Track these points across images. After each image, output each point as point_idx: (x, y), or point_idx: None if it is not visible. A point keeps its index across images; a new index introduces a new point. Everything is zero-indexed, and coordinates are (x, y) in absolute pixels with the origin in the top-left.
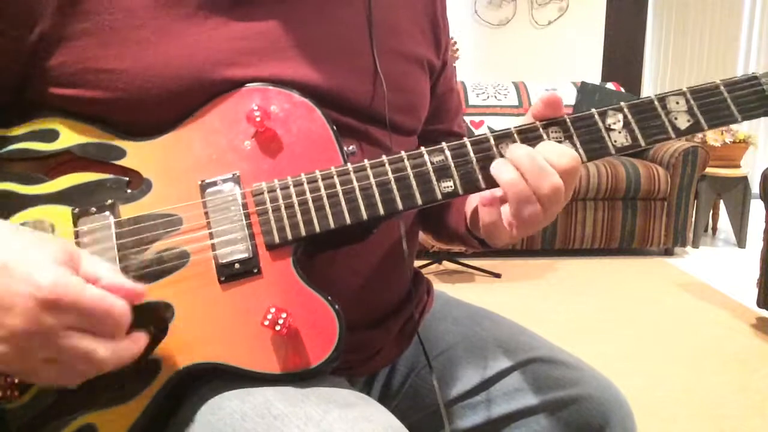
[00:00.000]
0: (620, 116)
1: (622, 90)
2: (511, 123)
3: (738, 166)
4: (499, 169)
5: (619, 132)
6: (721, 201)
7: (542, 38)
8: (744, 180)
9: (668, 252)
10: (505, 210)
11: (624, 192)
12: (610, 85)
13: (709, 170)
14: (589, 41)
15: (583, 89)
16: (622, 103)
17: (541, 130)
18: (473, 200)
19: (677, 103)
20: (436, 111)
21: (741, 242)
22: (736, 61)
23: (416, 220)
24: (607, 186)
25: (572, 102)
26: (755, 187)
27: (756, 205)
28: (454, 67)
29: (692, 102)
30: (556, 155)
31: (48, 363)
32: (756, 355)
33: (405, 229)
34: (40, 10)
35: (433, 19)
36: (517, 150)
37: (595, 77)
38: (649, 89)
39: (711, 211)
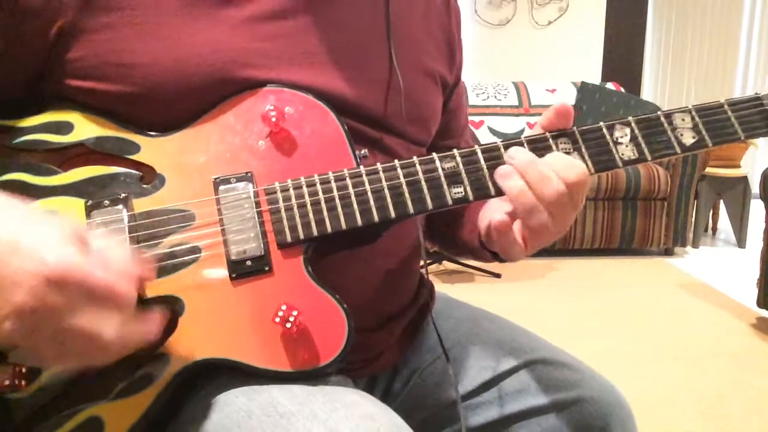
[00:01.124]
0: (627, 130)
1: (622, 90)
2: (511, 123)
3: (738, 166)
4: (504, 178)
5: (626, 145)
6: (721, 201)
7: (542, 38)
8: (744, 180)
9: (668, 252)
10: (517, 226)
11: (624, 192)
12: (610, 85)
13: (709, 170)
14: (589, 41)
15: (583, 89)
16: (630, 118)
17: (550, 140)
18: (486, 215)
19: (683, 119)
20: (446, 127)
21: (741, 242)
22: (736, 61)
23: (423, 230)
24: (607, 186)
25: (572, 102)
26: (755, 187)
27: (756, 205)
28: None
29: (697, 119)
30: (562, 166)
31: (52, 341)
32: (756, 355)
33: (422, 233)
34: (63, 3)
35: (448, 35)
36: (519, 155)
37: (595, 77)
38: (649, 89)
39: (711, 211)
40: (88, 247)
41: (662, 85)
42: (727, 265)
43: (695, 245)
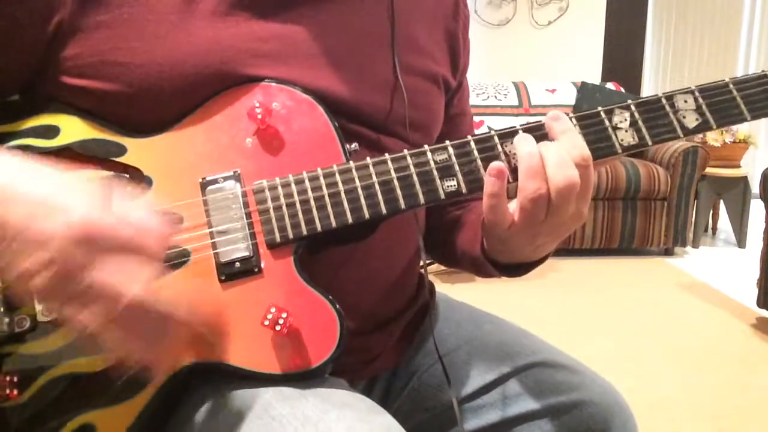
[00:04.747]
0: (627, 115)
1: (622, 90)
2: (510, 123)
3: (738, 166)
4: (520, 139)
5: (626, 131)
6: (721, 201)
7: (542, 38)
8: (744, 180)
9: (668, 252)
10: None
11: (624, 192)
12: (610, 85)
13: (709, 170)
14: (589, 41)
15: (583, 89)
16: (630, 102)
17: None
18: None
19: (685, 101)
20: (449, 134)
21: (741, 242)
22: (736, 61)
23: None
24: (607, 186)
25: (572, 102)
26: (755, 187)
27: (756, 205)
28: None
29: (701, 100)
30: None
31: (81, 298)
32: (756, 355)
33: (421, 236)
34: (60, 1)
35: (453, 38)
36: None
37: (595, 77)
38: (649, 89)
39: (711, 211)
40: (111, 205)
41: (662, 85)
42: (727, 265)
43: (695, 245)
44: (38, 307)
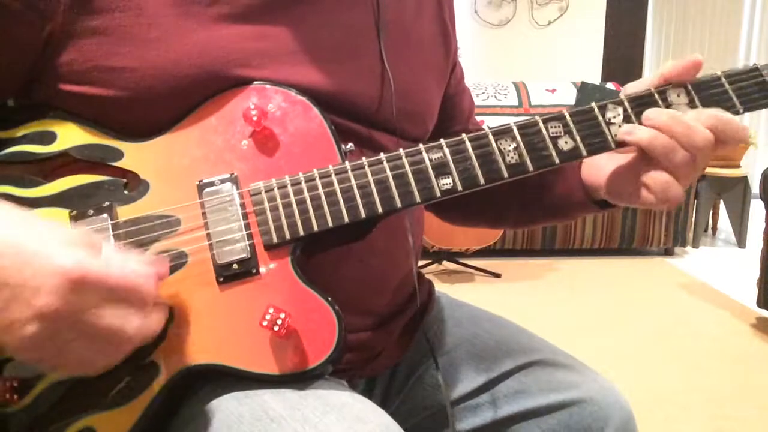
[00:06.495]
0: (620, 110)
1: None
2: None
3: (738, 166)
4: (629, 131)
5: (620, 126)
6: (721, 201)
7: (542, 38)
8: (744, 180)
9: (668, 252)
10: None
11: None
12: (610, 85)
13: (709, 170)
14: (589, 41)
15: (583, 89)
16: (622, 96)
17: (541, 125)
18: (593, 168)
19: (678, 95)
20: (450, 113)
21: (741, 242)
22: (737, 62)
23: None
24: None
25: (572, 102)
26: (755, 187)
27: (756, 205)
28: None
29: (693, 94)
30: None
31: (76, 342)
32: (756, 355)
33: (410, 229)
34: (52, 8)
35: (441, 22)
36: (656, 115)
37: (595, 77)
38: None
39: (711, 211)
40: (99, 249)
41: None
42: (727, 265)
43: (695, 245)
44: None
